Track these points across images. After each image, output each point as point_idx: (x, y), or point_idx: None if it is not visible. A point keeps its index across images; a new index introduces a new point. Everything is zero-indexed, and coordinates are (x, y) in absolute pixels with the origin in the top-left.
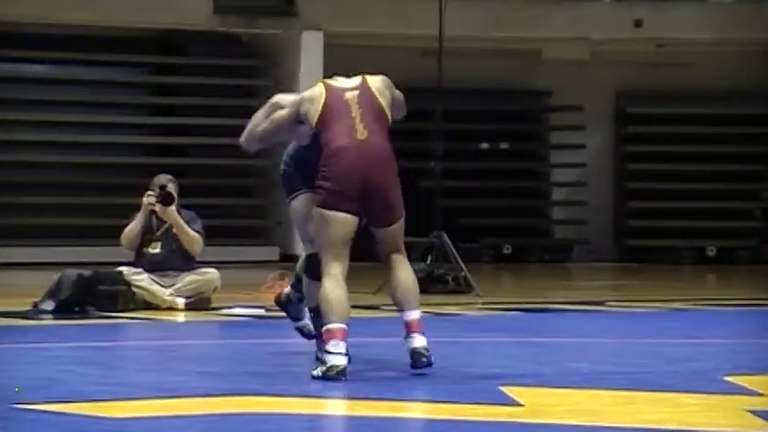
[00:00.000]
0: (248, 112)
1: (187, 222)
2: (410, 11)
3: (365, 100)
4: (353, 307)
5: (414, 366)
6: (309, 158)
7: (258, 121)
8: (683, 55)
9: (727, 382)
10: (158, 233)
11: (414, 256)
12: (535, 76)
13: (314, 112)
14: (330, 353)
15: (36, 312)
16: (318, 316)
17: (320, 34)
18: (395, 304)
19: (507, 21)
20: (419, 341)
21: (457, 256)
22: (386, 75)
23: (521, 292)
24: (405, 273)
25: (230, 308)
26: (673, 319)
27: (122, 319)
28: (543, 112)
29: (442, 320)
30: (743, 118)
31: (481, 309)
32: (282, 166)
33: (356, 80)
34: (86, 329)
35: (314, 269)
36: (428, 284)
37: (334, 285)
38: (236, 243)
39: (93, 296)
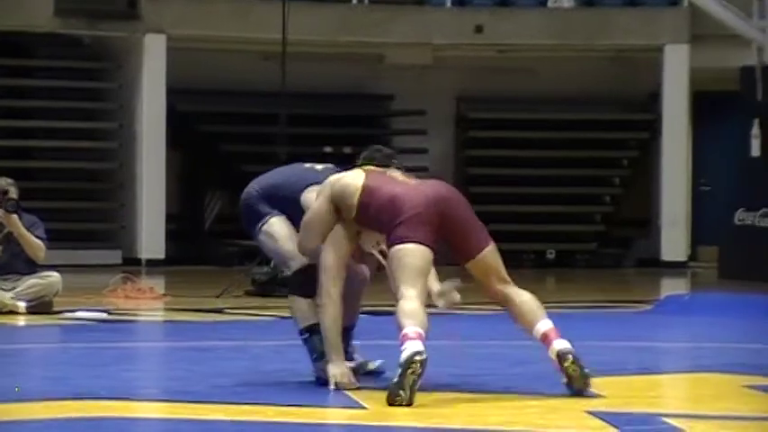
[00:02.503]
0: (92, 115)
1: (29, 228)
2: (253, 15)
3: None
4: (196, 310)
5: (564, 368)
6: (284, 208)
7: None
8: (524, 60)
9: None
10: None
11: (259, 259)
12: (378, 80)
13: (353, 187)
14: (406, 348)
15: None
16: (312, 335)
17: (163, 37)
18: (523, 326)
19: (350, 25)
20: (560, 343)
21: None
22: (229, 79)
23: (369, 296)
24: (522, 297)
25: (73, 311)
26: (512, 321)
27: None
28: (386, 117)
29: (289, 324)
30: (583, 123)
31: None
32: (245, 197)
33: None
34: None
35: (305, 285)
36: (273, 287)
37: (411, 301)
38: (79, 246)
39: None
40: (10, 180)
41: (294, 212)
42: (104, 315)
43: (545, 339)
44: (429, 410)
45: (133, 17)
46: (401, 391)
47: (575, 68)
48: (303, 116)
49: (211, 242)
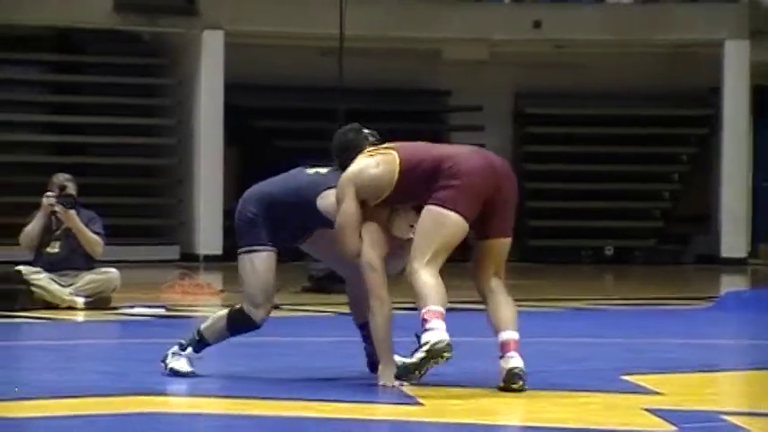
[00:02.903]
0: (148, 111)
1: (87, 224)
2: (310, 10)
3: None
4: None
5: (507, 386)
6: (286, 215)
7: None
8: (582, 56)
9: (625, 380)
10: (57, 233)
11: None
12: (435, 76)
13: (388, 173)
14: (432, 329)
15: None
16: (201, 343)
17: (221, 33)
18: (493, 324)
19: (407, 21)
20: (516, 361)
21: None
22: (286, 75)
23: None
24: (507, 297)
25: (130, 307)
26: (570, 318)
27: (21, 318)
28: (443, 113)
29: (346, 320)
30: (641, 119)
31: None
32: (251, 209)
33: None
34: None
35: (239, 329)
36: (330, 283)
37: (432, 276)
38: (136, 242)
39: None
40: (68, 176)
41: (305, 219)
42: (162, 311)
43: (505, 347)
44: (486, 407)
45: (191, 13)
46: (416, 372)
47: (633, 64)
48: (360, 112)
49: None
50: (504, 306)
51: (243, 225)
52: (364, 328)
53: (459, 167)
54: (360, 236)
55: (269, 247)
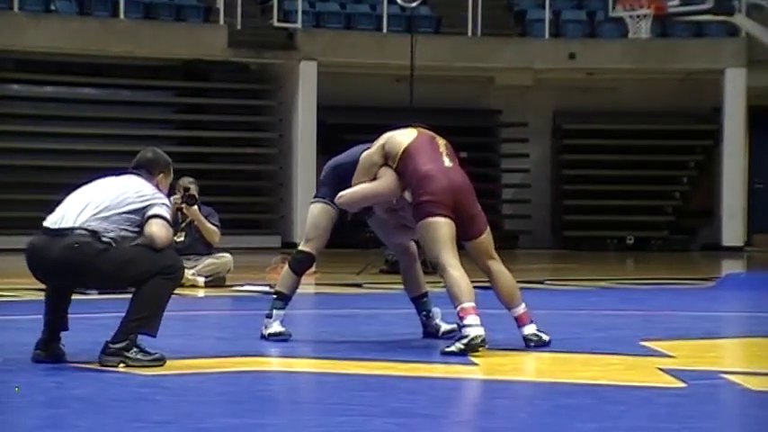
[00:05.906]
0: (256, 127)
1: (206, 217)
2: (387, 45)
3: (449, 144)
4: (340, 285)
5: (528, 346)
6: (346, 175)
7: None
8: (608, 81)
9: (643, 346)
10: (183, 225)
11: None
12: (489, 98)
13: (398, 146)
14: (470, 326)
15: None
16: (280, 298)
17: (315, 64)
18: (502, 303)
19: (466, 53)
20: (529, 329)
21: None
22: (368, 98)
23: (478, 274)
24: (504, 276)
25: (241, 285)
26: (598, 295)
27: None
28: (495, 128)
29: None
30: (658, 133)
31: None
32: (325, 173)
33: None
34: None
35: (299, 265)
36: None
37: (460, 273)
38: (246, 233)
39: None
40: (191, 179)
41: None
42: (266, 288)
43: (520, 321)
44: (530, 367)
45: (291, 47)
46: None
47: (651, 88)
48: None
49: (351, 229)
50: (507, 285)
51: (318, 183)
52: (416, 301)
53: (431, 186)
54: (367, 176)
55: (327, 202)
